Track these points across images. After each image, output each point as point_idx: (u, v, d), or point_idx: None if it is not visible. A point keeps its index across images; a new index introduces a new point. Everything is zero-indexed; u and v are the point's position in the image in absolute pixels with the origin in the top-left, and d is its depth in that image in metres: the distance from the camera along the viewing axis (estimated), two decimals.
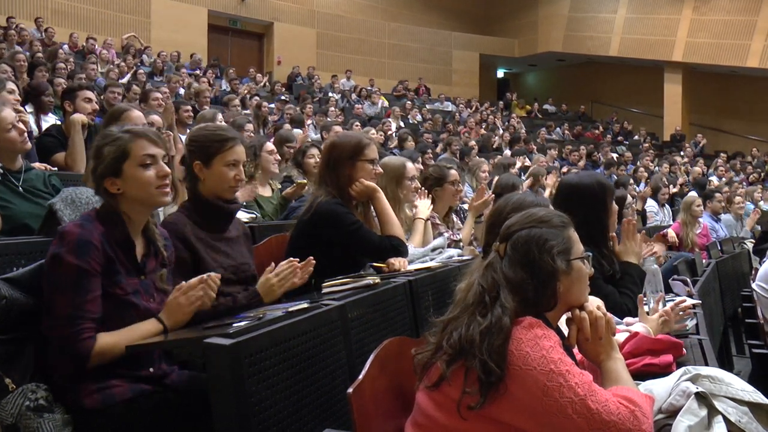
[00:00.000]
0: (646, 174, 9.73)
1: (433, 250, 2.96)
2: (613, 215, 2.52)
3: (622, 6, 17.04)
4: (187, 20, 14.49)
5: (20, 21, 10.89)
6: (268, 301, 2.04)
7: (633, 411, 1.24)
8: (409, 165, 3.31)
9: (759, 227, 7.05)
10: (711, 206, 6.83)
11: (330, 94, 12.81)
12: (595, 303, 1.50)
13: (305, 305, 1.76)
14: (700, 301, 2.63)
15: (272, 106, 9.97)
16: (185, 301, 1.78)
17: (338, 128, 6.14)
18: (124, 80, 9.10)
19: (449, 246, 3.20)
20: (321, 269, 2.26)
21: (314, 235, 2.51)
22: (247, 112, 8.31)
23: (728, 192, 8.00)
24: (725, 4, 15.48)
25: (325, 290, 2.08)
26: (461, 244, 3.64)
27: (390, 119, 11.25)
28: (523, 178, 6.61)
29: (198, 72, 11.93)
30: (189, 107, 5.71)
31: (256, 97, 10.09)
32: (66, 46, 10.80)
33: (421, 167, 5.55)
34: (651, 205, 7.50)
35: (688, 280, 3.41)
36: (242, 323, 1.57)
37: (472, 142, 9.63)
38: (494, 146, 10.71)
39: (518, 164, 7.78)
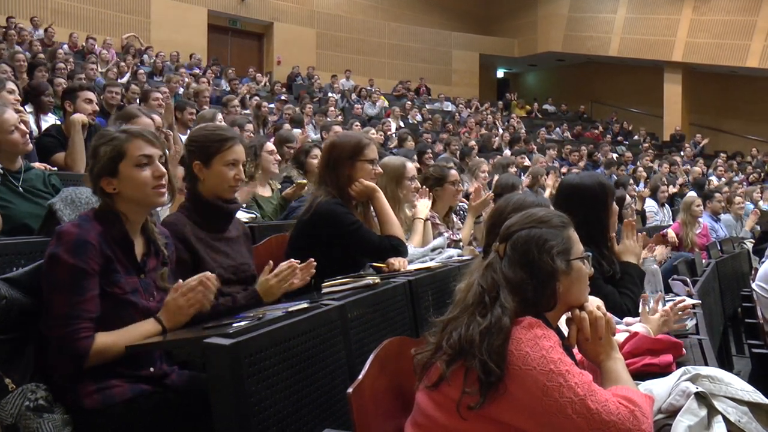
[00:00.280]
0: (645, 174, 9.73)
1: (433, 250, 2.96)
2: (614, 215, 2.52)
3: (621, 6, 17.04)
4: (187, 20, 14.49)
5: (20, 21, 10.90)
6: (268, 301, 2.04)
7: (633, 411, 1.24)
8: (409, 165, 3.31)
9: (758, 227, 7.05)
10: (711, 206, 6.83)
11: (330, 94, 12.81)
12: (595, 303, 1.50)
13: (305, 305, 1.76)
14: (699, 301, 2.63)
15: (272, 106, 9.97)
16: (185, 302, 1.77)
17: (338, 128, 6.13)
18: (124, 80, 9.11)
19: (449, 246, 3.20)
20: (321, 269, 2.26)
21: (314, 235, 2.50)
22: (247, 112, 8.31)
23: (728, 192, 8.01)
24: (725, 4, 15.48)
25: (324, 290, 2.08)
26: (461, 244, 3.64)
27: (390, 119, 11.25)
28: (523, 178, 6.61)
29: (198, 72, 11.92)
30: (193, 109, 5.70)
31: (256, 97, 10.09)
32: (66, 46, 10.80)
33: (418, 166, 5.54)
34: (650, 204, 7.50)
35: (688, 280, 3.41)
36: (242, 323, 1.57)
37: (472, 142, 9.63)
38: (494, 146, 10.71)
39: (517, 164, 7.79)
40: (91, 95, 3.89)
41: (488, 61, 19.61)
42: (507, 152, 9.57)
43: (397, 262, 2.50)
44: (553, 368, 1.25)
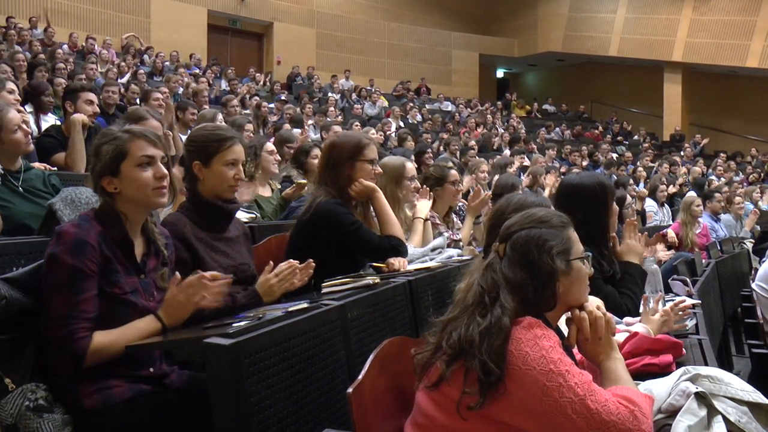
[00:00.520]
0: (645, 174, 9.73)
1: (433, 250, 2.96)
2: (614, 216, 2.52)
3: (621, 6, 17.05)
4: (186, 20, 14.49)
5: (20, 21, 10.90)
6: (267, 301, 2.04)
7: (632, 411, 1.24)
8: (409, 165, 3.31)
9: (758, 227, 7.05)
10: (711, 206, 6.83)
11: (330, 94, 12.81)
12: (594, 303, 1.50)
13: (305, 305, 1.76)
14: (699, 301, 2.63)
15: (272, 106, 9.97)
16: (184, 299, 1.77)
17: (338, 128, 6.13)
18: (124, 80, 9.11)
19: (449, 246, 3.20)
20: (321, 269, 2.26)
21: (314, 235, 2.50)
22: (247, 112, 8.31)
23: (728, 192, 8.00)
24: (725, 4, 15.48)
25: (324, 290, 2.08)
26: (461, 244, 3.64)
27: (390, 119, 11.25)
28: (522, 178, 6.61)
29: (198, 72, 11.92)
30: (195, 109, 5.70)
31: (256, 97, 10.09)
32: (66, 46, 10.80)
33: (416, 166, 5.53)
34: (650, 204, 7.50)
35: (688, 280, 3.41)
36: (242, 323, 1.57)
37: (472, 142, 9.63)
38: (494, 146, 10.72)
39: (516, 164, 7.78)
40: (92, 96, 3.90)
41: (488, 61, 19.61)
42: (507, 152, 9.57)
43: (396, 262, 2.50)
44: (552, 368, 1.25)
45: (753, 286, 3.86)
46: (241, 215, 2.97)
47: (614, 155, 12.36)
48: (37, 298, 1.67)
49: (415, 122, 12.53)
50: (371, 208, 2.72)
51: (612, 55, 17.33)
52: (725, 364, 4.01)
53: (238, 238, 2.29)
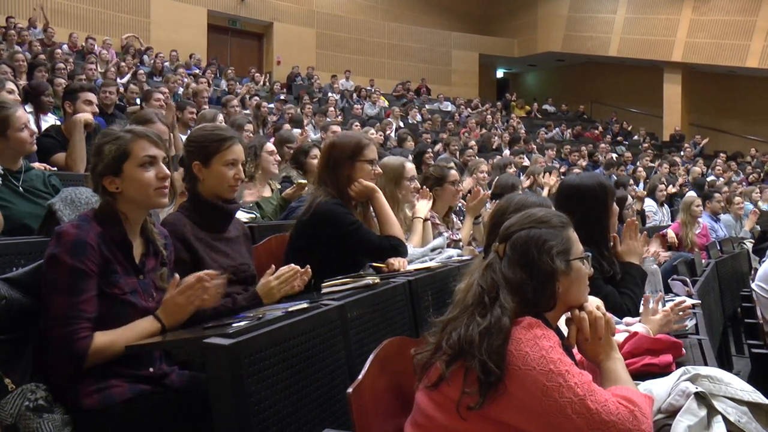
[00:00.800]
0: (645, 174, 9.73)
1: (433, 250, 2.96)
2: (614, 216, 2.52)
3: (621, 6, 17.05)
4: (186, 20, 14.49)
5: (20, 21, 10.90)
6: (267, 303, 2.04)
7: (632, 411, 1.24)
8: (409, 165, 3.31)
9: (758, 227, 7.05)
10: (710, 206, 6.83)
11: (330, 95, 12.81)
12: (594, 303, 1.50)
13: (305, 305, 1.76)
14: (699, 301, 2.63)
15: (271, 106, 9.97)
16: (183, 300, 1.77)
17: (337, 128, 6.13)
18: (124, 80, 9.11)
19: (449, 246, 3.20)
20: (321, 269, 2.26)
21: (313, 235, 2.50)
22: (247, 112, 8.31)
23: (727, 192, 8.00)
24: (725, 4, 15.49)
25: (324, 290, 2.08)
26: (461, 244, 3.64)
27: (390, 119, 11.24)
28: (522, 178, 6.60)
29: (197, 72, 11.92)
30: (194, 109, 5.71)
31: (256, 98, 10.09)
32: (66, 46, 10.81)
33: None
34: (650, 204, 7.50)
35: (688, 280, 3.41)
36: (242, 323, 1.57)
37: (472, 143, 9.63)
38: (493, 146, 10.72)
39: (516, 164, 7.78)
40: (91, 96, 3.89)
41: (488, 61, 19.61)
42: (506, 152, 9.57)
43: (396, 262, 2.50)
44: (552, 368, 1.25)
45: (753, 286, 3.86)
46: (241, 215, 2.97)
47: (614, 155, 12.36)
48: (37, 298, 1.67)
49: (415, 122, 12.53)
50: (371, 208, 2.72)
51: (612, 55, 17.34)
52: (725, 364, 4.01)
53: (238, 238, 2.29)
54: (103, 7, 13.50)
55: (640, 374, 1.72)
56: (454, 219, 4.00)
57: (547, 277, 1.38)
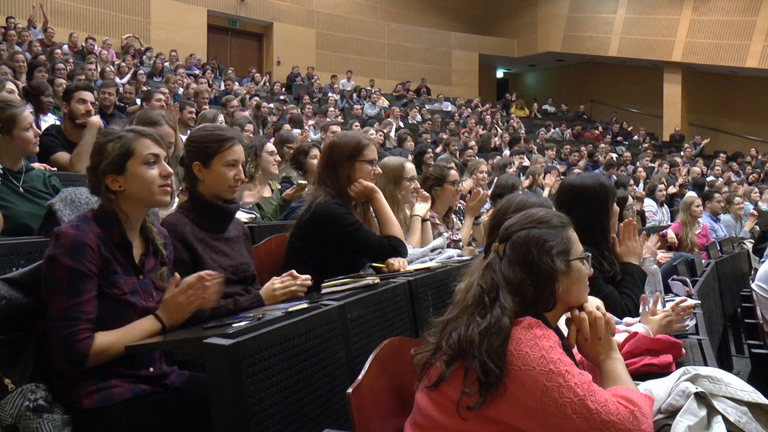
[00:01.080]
0: (645, 174, 9.73)
1: (433, 250, 2.96)
2: (614, 217, 2.52)
3: (621, 6, 17.06)
4: (186, 20, 14.50)
5: (19, 21, 10.91)
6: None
7: (632, 411, 1.24)
8: (408, 165, 3.30)
9: (758, 227, 7.05)
10: (710, 206, 6.83)
11: (330, 95, 12.81)
12: (594, 303, 1.50)
13: (305, 305, 1.76)
14: (699, 301, 2.63)
15: (271, 106, 9.97)
16: (184, 300, 1.77)
17: (337, 128, 6.13)
18: (124, 80, 9.11)
19: (449, 246, 3.20)
20: (321, 269, 2.26)
21: (313, 235, 2.50)
22: (247, 112, 8.30)
23: (727, 192, 8.00)
24: (725, 5, 15.49)
25: (324, 290, 2.08)
26: (461, 244, 3.64)
27: (390, 119, 11.24)
28: (522, 178, 6.61)
29: (197, 72, 11.92)
30: (193, 108, 5.70)
31: (256, 98, 10.09)
32: (65, 47, 10.81)
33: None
34: (649, 204, 7.50)
35: (688, 280, 3.41)
36: (242, 323, 1.57)
37: (472, 143, 9.63)
38: (493, 146, 10.72)
39: (516, 164, 7.79)
40: (85, 95, 3.85)
41: (488, 62, 19.61)
42: (506, 152, 9.57)
43: (396, 262, 2.50)
44: (552, 368, 1.25)
45: (753, 286, 3.86)
46: (241, 215, 2.97)
47: (614, 155, 12.36)
48: (37, 299, 1.67)
49: (415, 122, 12.53)
50: (371, 208, 2.72)
51: (612, 56, 17.35)
52: (725, 364, 4.01)
53: (238, 238, 2.29)
54: (103, 7, 13.50)
55: (640, 374, 1.72)
56: (454, 219, 4.00)
57: (546, 277, 1.38)
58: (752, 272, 4.93)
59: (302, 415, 1.56)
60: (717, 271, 4.54)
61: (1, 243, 2.14)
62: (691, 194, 7.11)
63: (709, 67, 16.11)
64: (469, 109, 15.14)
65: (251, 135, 5.12)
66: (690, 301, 2.25)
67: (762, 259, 4.53)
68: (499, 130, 12.91)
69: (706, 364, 1.83)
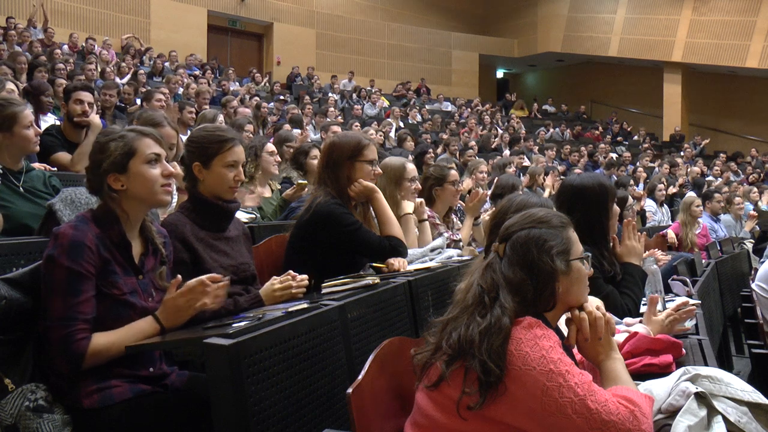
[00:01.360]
0: (645, 174, 9.73)
1: (433, 250, 2.96)
2: (614, 217, 2.52)
3: (621, 6, 17.05)
4: (186, 20, 14.49)
5: (20, 21, 10.91)
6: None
7: (632, 411, 1.24)
8: (410, 166, 3.30)
9: (758, 227, 7.05)
10: (710, 207, 6.83)
11: (330, 95, 12.81)
12: (594, 303, 1.50)
13: (305, 305, 1.76)
14: (699, 301, 2.63)
15: (271, 106, 9.97)
16: (184, 303, 1.77)
17: (337, 128, 6.13)
18: (124, 81, 9.11)
19: (449, 246, 3.19)
20: (321, 269, 2.26)
21: (313, 235, 2.51)
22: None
23: (727, 192, 8.00)
24: (725, 5, 15.49)
25: (325, 290, 2.08)
26: (461, 244, 3.64)
27: (390, 119, 11.25)
28: (522, 178, 6.61)
29: (197, 72, 11.92)
30: (193, 108, 5.70)
31: (256, 98, 10.09)
32: (66, 47, 10.80)
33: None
34: (649, 204, 7.50)
35: (688, 280, 3.41)
36: (242, 323, 1.57)
37: (472, 143, 9.63)
38: (493, 146, 10.72)
39: (516, 164, 7.78)
40: (83, 95, 3.83)
41: (488, 62, 19.61)
42: (506, 152, 9.57)
43: (396, 262, 2.50)
44: (552, 368, 1.25)
45: (753, 286, 3.86)
46: (241, 215, 2.96)
47: (614, 155, 12.36)
48: (36, 299, 1.68)
49: (415, 122, 12.53)
50: (371, 208, 2.72)
51: (612, 56, 17.34)
52: (725, 364, 4.01)
53: (239, 237, 2.29)
54: (103, 7, 13.50)
55: (640, 374, 1.71)
56: (454, 219, 4.00)
57: (546, 277, 1.38)
58: (752, 272, 4.93)
59: (302, 415, 1.56)
60: (717, 271, 4.54)
61: (1, 243, 2.14)
62: (691, 194, 7.11)
63: (709, 67, 16.11)
64: (469, 110, 15.14)
65: (251, 135, 5.12)
66: (693, 302, 2.25)
67: (762, 259, 4.54)
68: (499, 130, 12.90)
69: (706, 364, 1.83)
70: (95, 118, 3.80)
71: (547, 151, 10.72)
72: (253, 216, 3.49)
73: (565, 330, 1.49)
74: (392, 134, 9.67)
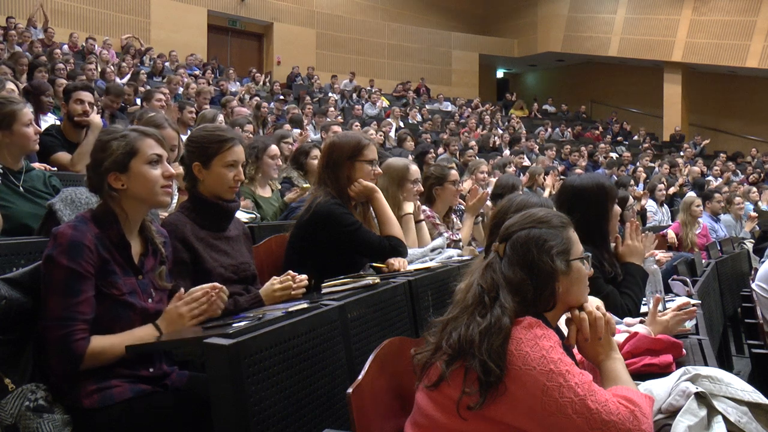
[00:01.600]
0: (645, 174, 9.73)
1: (433, 250, 2.96)
2: (615, 218, 2.51)
3: (621, 6, 17.06)
4: (186, 20, 14.49)
5: (20, 21, 10.91)
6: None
7: (632, 411, 1.24)
8: (413, 167, 3.29)
9: (758, 227, 7.04)
10: (710, 206, 6.83)
11: (330, 95, 12.81)
12: (594, 303, 1.50)
13: (305, 305, 1.76)
14: (699, 301, 2.63)
15: (271, 106, 9.97)
16: (186, 312, 1.78)
17: (337, 128, 6.13)
18: (124, 81, 9.11)
19: (449, 246, 3.19)
20: (321, 269, 2.26)
21: (313, 235, 2.51)
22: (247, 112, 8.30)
23: (728, 192, 8.00)
24: (725, 5, 15.49)
25: (325, 290, 2.08)
26: (461, 244, 3.64)
27: (390, 119, 11.25)
28: (522, 178, 6.61)
29: (197, 72, 11.91)
30: (193, 108, 5.70)
31: (256, 98, 10.08)
32: (66, 47, 10.80)
33: None
34: (650, 204, 7.50)
35: (688, 280, 3.41)
36: (242, 323, 1.57)
37: (472, 143, 9.63)
38: (492, 146, 10.71)
39: (516, 164, 7.79)
40: (83, 95, 3.82)
41: (488, 62, 19.61)
42: (506, 152, 9.57)
43: (396, 262, 2.50)
44: (552, 368, 1.25)
45: (753, 286, 3.86)
46: (241, 215, 2.96)
47: (614, 155, 12.36)
48: (36, 299, 1.67)
49: (415, 122, 12.52)
50: (371, 208, 2.72)
51: (612, 55, 17.34)
52: (725, 364, 4.01)
53: (239, 237, 2.29)
54: (103, 7, 13.49)
55: (640, 374, 1.72)
56: (454, 219, 4.00)
57: (546, 277, 1.38)
58: (752, 272, 4.93)
59: (302, 415, 1.56)
60: (717, 271, 4.54)
61: (1, 243, 2.14)
62: (691, 194, 7.12)
63: (709, 67, 16.11)
64: (469, 109, 15.14)
65: (251, 135, 5.11)
66: (690, 302, 2.24)
67: (762, 259, 4.53)
68: (499, 130, 12.90)
69: (706, 364, 1.83)
70: (95, 117, 3.80)
71: (547, 151, 10.72)
72: (253, 216, 3.49)
73: (565, 330, 1.49)
74: (392, 134, 9.67)
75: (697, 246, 5.85)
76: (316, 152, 4.28)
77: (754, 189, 8.95)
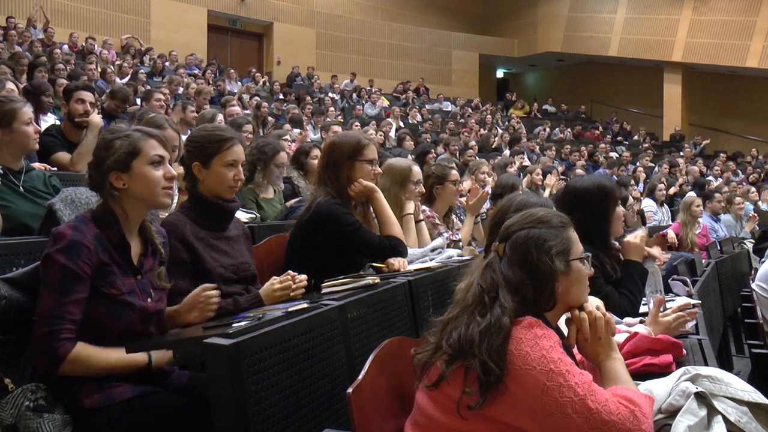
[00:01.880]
0: (645, 174, 9.73)
1: (433, 250, 2.96)
2: (618, 220, 2.51)
3: (621, 6, 17.06)
4: (186, 20, 14.49)
5: (20, 21, 10.91)
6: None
7: (633, 411, 1.24)
8: (416, 168, 3.28)
9: (758, 227, 7.04)
10: (710, 206, 6.83)
11: (330, 95, 12.81)
12: (594, 303, 1.50)
13: (305, 305, 1.76)
14: (699, 301, 2.62)
15: (272, 106, 9.97)
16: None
17: (337, 128, 6.13)
18: (124, 81, 9.12)
19: (449, 246, 3.19)
20: (321, 269, 2.26)
21: (313, 235, 2.50)
22: (247, 111, 8.31)
23: (728, 192, 8.00)
24: (725, 5, 15.49)
25: (325, 290, 2.08)
26: (461, 244, 3.64)
27: (390, 119, 11.25)
28: (522, 178, 6.61)
29: (197, 72, 11.91)
30: (194, 108, 5.70)
31: (256, 98, 10.08)
32: (66, 47, 10.80)
33: None
34: (649, 204, 7.50)
35: (688, 280, 3.41)
36: (242, 323, 1.57)
37: (472, 142, 9.63)
38: (492, 146, 10.71)
39: (516, 164, 7.79)
40: (84, 95, 3.82)
41: (488, 61, 19.61)
42: (506, 152, 9.57)
43: (396, 262, 2.50)
44: (553, 368, 1.25)
45: (753, 286, 3.86)
46: (241, 215, 2.96)
47: (614, 155, 12.35)
48: (35, 299, 1.67)
49: (415, 122, 12.52)
50: (371, 208, 2.72)
51: (612, 55, 17.34)
52: (725, 364, 4.01)
53: (239, 237, 2.29)
54: (103, 7, 13.49)
55: (640, 374, 1.72)
56: (454, 219, 4.00)
57: (546, 277, 1.38)
58: (752, 272, 4.93)
59: (302, 415, 1.56)
60: (717, 271, 4.55)
61: (1, 243, 2.14)
62: (691, 194, 7.11)
63: (709, 67, 16.11)
64: (470, 109, 15.14)
65: (251, 135, 5.11)
66: (693, 303, 2.24)
67: (762, 259, 4.53)
68: (499, 130, 12.90)
69: (706, 364, 1.83)
70: (96, 117, 3.80)
71: (547, 151, 10.72)
72: (253, 216, 3.48)
73: (565, 330, 1.49)
74: (392, 134, 9.67)
75: (697, 246, 5.85)
76: (316, 152, 4.28)
77: (754, 189, 8.95)
